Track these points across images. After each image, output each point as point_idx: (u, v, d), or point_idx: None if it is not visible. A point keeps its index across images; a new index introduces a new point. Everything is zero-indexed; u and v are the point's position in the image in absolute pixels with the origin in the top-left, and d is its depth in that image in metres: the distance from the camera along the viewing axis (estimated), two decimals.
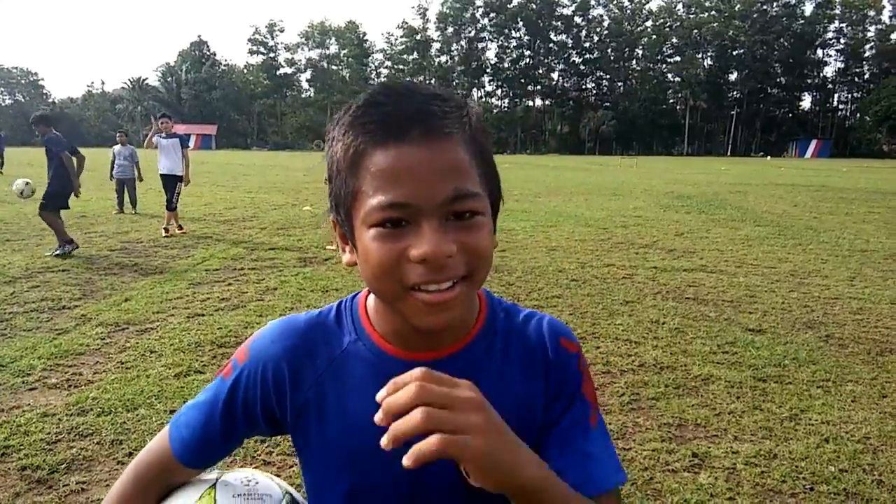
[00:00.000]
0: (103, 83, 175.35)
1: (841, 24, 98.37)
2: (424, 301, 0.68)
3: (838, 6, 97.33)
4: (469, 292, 0.71)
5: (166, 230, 9.81)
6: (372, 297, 0.82)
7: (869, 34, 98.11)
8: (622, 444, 3.28)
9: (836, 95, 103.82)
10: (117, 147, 12.86)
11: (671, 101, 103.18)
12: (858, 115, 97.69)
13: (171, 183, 10.02)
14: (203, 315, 5.49)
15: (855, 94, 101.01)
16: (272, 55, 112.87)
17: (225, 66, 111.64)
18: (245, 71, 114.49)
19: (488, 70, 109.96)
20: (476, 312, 0.82)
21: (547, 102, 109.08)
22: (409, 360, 0.75)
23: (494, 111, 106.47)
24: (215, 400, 0.84)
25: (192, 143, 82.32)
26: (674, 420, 3.58)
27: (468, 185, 0.69)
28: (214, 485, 0.87)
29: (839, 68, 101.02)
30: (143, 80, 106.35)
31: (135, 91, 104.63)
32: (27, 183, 9.63)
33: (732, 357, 4.62)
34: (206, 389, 0.87)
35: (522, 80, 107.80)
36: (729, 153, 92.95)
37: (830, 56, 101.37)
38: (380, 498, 0.80)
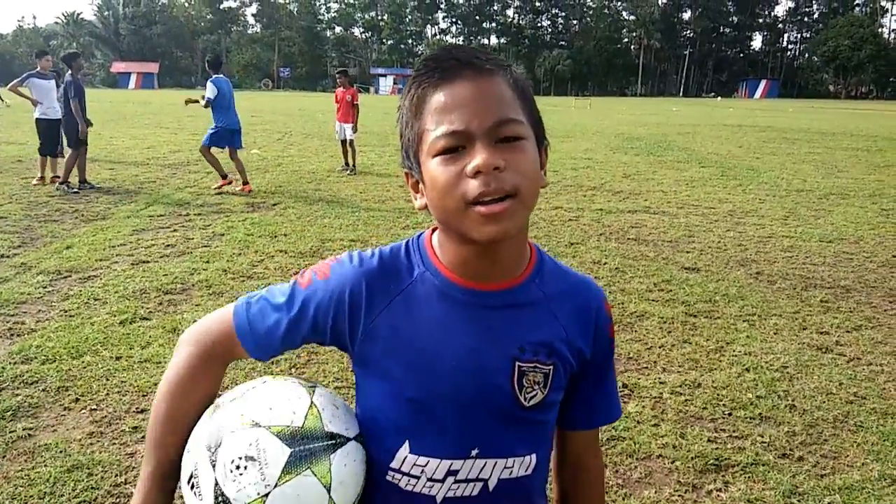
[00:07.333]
0: (35, 18, 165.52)
1: None
2: (481, 213, 0.80)
3: None
4: (519, 210, 0.82)
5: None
6: (436, 234, 0.94)
7: None
8: None
9: (785, 35, 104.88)
10: None
11: (626, 40, 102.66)
12: (807, 55, 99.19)
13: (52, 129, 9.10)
14: (148, 262, 5.45)
15: (804, 34, 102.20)
16: None
17: None
18: (187, 5, 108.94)
19: (442, 6, 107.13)
20: (527, 259, 0.94)
21: (502, 41, 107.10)
22: (471, 288, 0.89)
23: None
24: (287, 306, 0.91)
25: (132, 83, 78.88)
26: None
27: (511, 114, 0.83)
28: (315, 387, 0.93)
29: (790, 7, 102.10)
30: (78, 14, 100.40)
31: (69, 26, 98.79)
32: None
33: (667, 294, 4.84)
34: (279, 291, 0.93)
35: (477, 17, 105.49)
36: (682, 94, 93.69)
37: None
38: (442, 405, 0.90)
